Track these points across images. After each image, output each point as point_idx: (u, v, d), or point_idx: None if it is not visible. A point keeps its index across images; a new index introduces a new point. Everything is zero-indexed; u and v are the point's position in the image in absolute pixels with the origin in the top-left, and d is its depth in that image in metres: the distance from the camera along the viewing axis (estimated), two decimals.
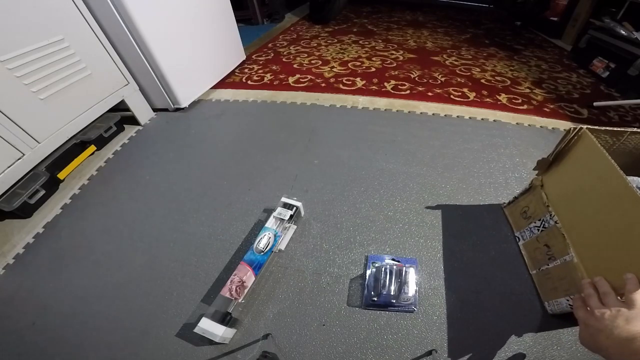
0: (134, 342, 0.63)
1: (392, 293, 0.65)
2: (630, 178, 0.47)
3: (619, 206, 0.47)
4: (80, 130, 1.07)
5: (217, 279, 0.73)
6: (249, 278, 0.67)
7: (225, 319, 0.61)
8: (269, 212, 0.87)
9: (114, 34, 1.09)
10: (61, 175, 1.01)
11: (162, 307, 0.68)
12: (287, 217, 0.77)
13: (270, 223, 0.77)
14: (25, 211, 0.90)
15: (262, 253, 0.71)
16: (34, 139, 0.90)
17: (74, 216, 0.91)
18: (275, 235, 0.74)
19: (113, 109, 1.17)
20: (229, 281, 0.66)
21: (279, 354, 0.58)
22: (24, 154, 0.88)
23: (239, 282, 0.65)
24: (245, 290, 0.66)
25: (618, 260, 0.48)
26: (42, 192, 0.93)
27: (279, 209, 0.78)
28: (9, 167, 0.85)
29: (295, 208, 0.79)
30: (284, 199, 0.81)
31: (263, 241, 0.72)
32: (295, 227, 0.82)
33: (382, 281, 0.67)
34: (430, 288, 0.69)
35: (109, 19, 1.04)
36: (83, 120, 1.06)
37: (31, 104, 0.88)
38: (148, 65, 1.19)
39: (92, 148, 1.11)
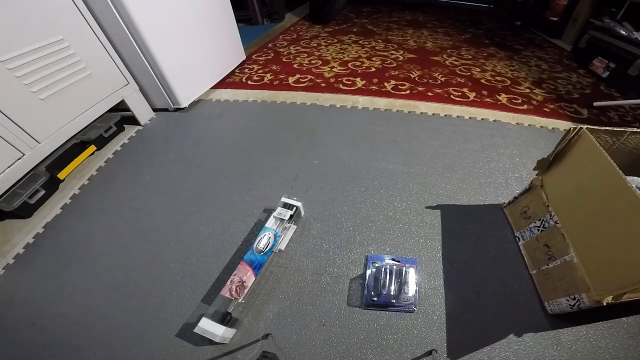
0: (134, 342, 0.63)
1: (392, 293, 0.65)
2: (629, 178, 0.47)
3: (619, 206, 0.48)
4: (80, 130, 1.07)
5: (217, 279, 0.73)
6: (249, 278, 0.67)
7: (225, 319, 0.61)
8: (269, 212, 0.87)
9: (114, 34, 1.09)
10: (61, 175, 1.01)
11: (162, 307, 0.68)
12: (287, 217, 0.77)
13: (270, 223, 0.77)
14: (25, 211, 0.90)
15: (262, 253, 0.71)
16: (34, 139, 0.90)
17: (74, 216, 0.91)
18: (275, 235, 0.74)
19: (113, 109, 1.17)
20: (229, 281, 0.66)
21: (279, 354, 0.58)
22: (24, 154, 0.88)
23: (239, 282, 0.65)
24: (245, 290, 0.66)
25: (618, 260, 0.48)
26: (42, 192, 0.93)
27: (279, 209, 0.78)
28: (9, 167, 0.85)
29: (295, 208, 0.79)
30: (284, 199, 0.81)
31: (263, 241, 0.72)
32: (295, 227, 0.82)
33: (382, 281, 0.67)
34: (430, 288, 0.69)
35: (109, 19, 1.04)
36: (83, 120, 1.06)
37: (31, 104, 0.88)
38: (148, 65, 1.19)
39: (92, 148, 1.12)
